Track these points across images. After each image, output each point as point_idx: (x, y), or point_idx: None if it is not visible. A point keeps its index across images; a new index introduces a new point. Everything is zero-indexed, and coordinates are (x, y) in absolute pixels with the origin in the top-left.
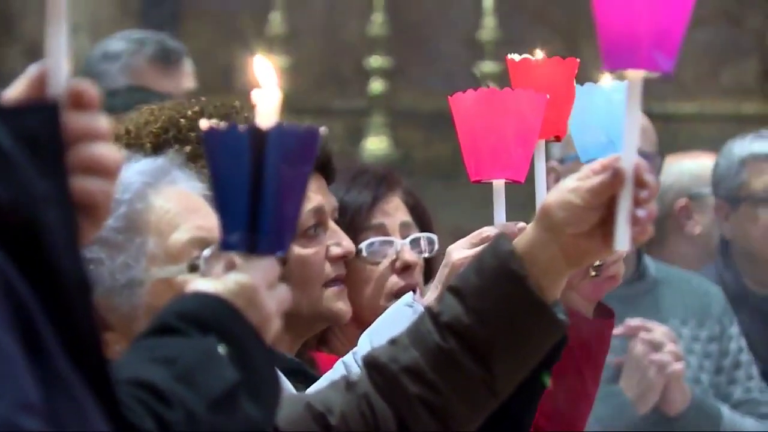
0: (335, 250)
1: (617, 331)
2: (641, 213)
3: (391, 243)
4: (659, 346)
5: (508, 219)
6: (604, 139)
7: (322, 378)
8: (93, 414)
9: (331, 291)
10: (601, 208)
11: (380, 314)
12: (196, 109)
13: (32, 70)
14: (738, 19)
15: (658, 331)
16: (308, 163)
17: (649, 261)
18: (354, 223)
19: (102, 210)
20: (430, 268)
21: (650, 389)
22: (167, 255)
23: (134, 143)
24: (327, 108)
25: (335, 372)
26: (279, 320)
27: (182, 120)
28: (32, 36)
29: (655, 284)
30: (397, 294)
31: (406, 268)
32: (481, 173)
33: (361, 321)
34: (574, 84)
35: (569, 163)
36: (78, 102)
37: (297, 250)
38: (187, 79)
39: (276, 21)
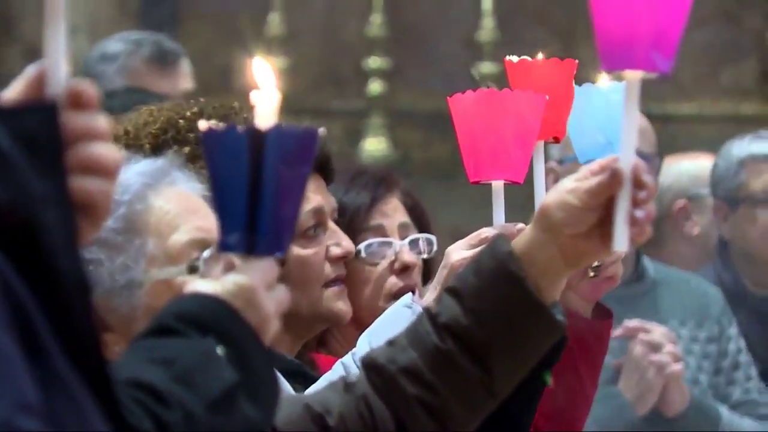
0: (335, 251)
1: (616, 332)
2: (639, 214)
3: (389, 244)
4: (658, 347)
5: (507, 220)
6: (602, 139)
7: (321, 379)
8: (92, 414)
9: (331, 291)
10: (599, 208)
11: (379, 315)
12: (195, 110)
13: (30, 71)
14: (737, 20)
15: (657, 331)
16: (307, 164)
17: (647, 262)
18: (352, 224)
19: (101, 210)
20: (428, 269)
21: (649, 390)
22: (167, 256)
23: (133, 144)
24: (325, 109)
25: (334, 373)
26: (278, 321)
27: (181, 121)
28: (31, 37)
29: (653, 285)
30: (396, 295)
31: (404, 269)
32: (480, 174)
33: (360, 322)
34: (573, 85)
35: (568, 164)
36: (77, 102)
37: (297, 250)
38: (184, 79)
39: (275, 22)
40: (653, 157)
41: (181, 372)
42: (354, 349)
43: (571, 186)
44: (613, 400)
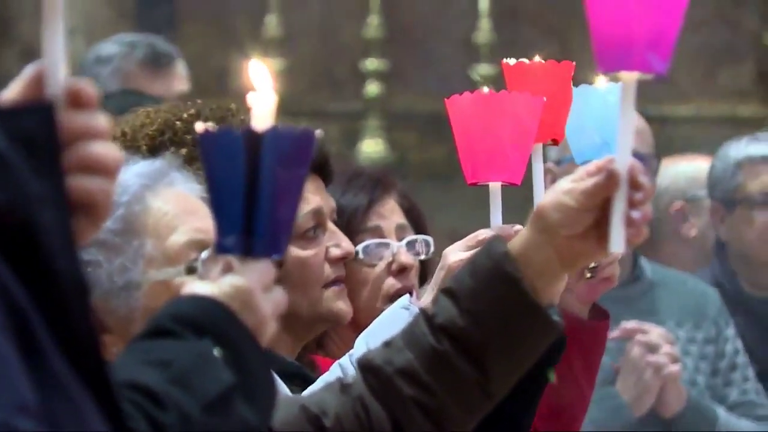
0: (335, 252)
1: (613, 334)
2: (636, 215)
3: (387, 245)
4: (655, 348)
5: (504, 221)
6: (598, 140)
7: (318, 380)
8: (90, 415)
9: (331, 291)
10: (595, 209)
11: (377, 317)
12: (192, 111)
13: (29, 71)
14: (734, 22)
15: (654, 332)
16: (304, 165)
17: (645, 263)
18: (350, 225)
19: (102, 209)
20: (425, 271)
21: (646, 391)
22: (165, 257)
23: (130, 146)
24: (322, 111)
25: (331, 374)
26: (275, 323)
27: (178, 123)
28: (29, 38)
29: (651, 286)
30: (394, 296)
31: (402, 270)
32: (477, 176)
33: (358, 324)
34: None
35: (565, 165)
36: (76, 101)
37: (296, 252)
38: (179, 82)
39: (271, 24)
40: (651, 159)
41: (177, 374)
42: (351, 351)
43: (568, 187)
44: (611, 401)
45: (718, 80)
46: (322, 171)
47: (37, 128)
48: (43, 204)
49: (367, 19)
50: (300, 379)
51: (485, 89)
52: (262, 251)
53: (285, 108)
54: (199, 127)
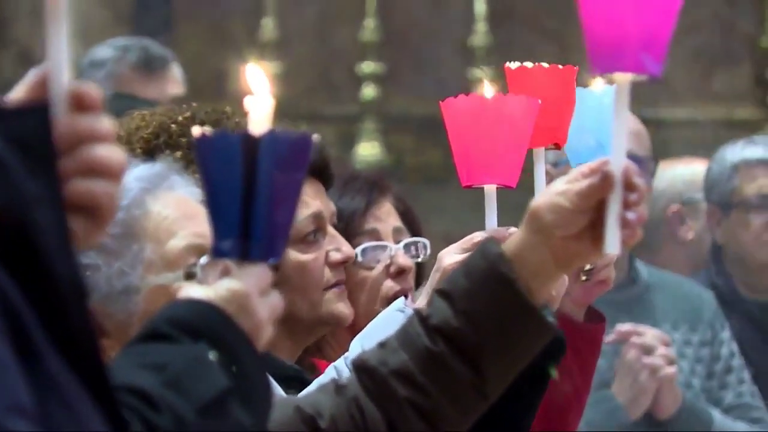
0: (335, 256)
1: (609, 338)
2: (631, 216)
3: (384, 248)
4: (651, 350)
5: (499, 224)
6: (593, 142)
7: (313, 382)
8: (87, 417)
9: (331, 293)
10: (590, 211)
11: None
12: (187, 114)
13: (33, 74)
14: (730, 25)
15: (650, 334)
16: (301, 169)
17: (640, 265)
18: (347, 228)
19: (106, 212)
20: (421, 273)
21: (642, 393)
22: (164, 262)
23: (125, 149)
24: (319, 114)
25: (326, 377)
26: (271, 327)
27: (173, 126)
28: (24, 40)
29: (647, 289)
30: (392, 298)
31: (400, 273)
32: (472, 179)
33: (356, 327)
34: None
35: (562, 167)
36: (80, 104)
37: (296, 256)
38: (173, 85)
39: (268, 27)
40: (648, 161)
41: (172, 377)
42: (347, 353)
43: (562, 188)
44: (606, 404)
45: (714, 83)
46: (322, 175)
47: (33, 129)
48: (39, 205)
49: (363, 23)
50: (298, 383)
51: (485, 88)
52: (259, 255)
53: (281, 111)
54: (196, 131)
